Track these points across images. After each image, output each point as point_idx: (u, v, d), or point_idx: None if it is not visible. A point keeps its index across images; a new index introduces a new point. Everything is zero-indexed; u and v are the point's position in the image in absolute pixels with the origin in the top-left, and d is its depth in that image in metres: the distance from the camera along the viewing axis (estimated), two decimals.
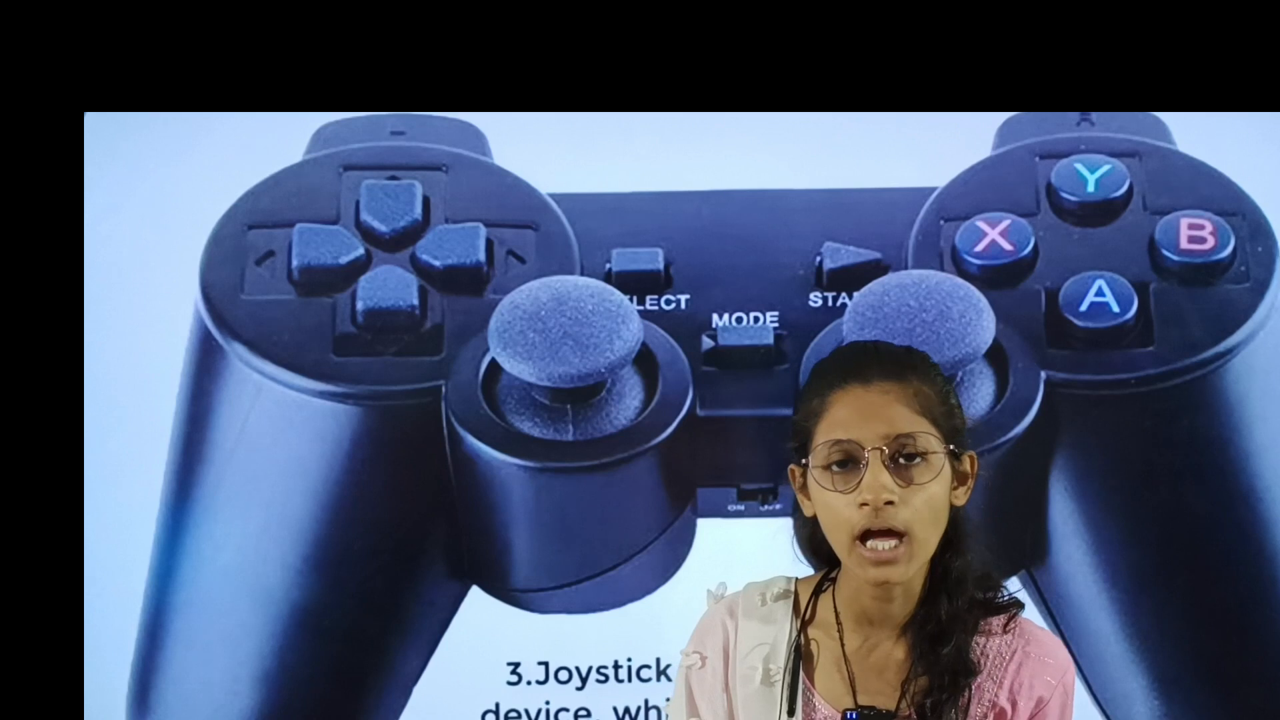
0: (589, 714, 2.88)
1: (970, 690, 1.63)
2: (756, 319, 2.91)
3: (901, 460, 1.62)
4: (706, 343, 2.89)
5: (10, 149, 2.85)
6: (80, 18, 2.86)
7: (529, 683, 2.89)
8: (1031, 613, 2.83)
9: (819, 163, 3.02)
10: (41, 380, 2.83)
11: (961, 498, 1.67)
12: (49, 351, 2.84)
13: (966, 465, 1.68)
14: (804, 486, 1.68)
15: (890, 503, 1.60)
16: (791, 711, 1.67)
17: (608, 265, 2.93)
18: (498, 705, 2.89)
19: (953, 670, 1.62)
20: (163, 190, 2.99)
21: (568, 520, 2.86)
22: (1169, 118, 3.01)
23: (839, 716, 1.66)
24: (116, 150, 2.98)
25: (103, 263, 2.94)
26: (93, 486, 2.88)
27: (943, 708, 1.62)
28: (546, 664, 2.89)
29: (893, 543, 1.61)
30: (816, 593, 1.72)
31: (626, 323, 2.79)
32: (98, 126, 2.96)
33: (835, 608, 1.70)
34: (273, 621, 2.87)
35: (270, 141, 3.01)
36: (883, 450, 1.61)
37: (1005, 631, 1.67)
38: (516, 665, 2.89)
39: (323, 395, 2.84)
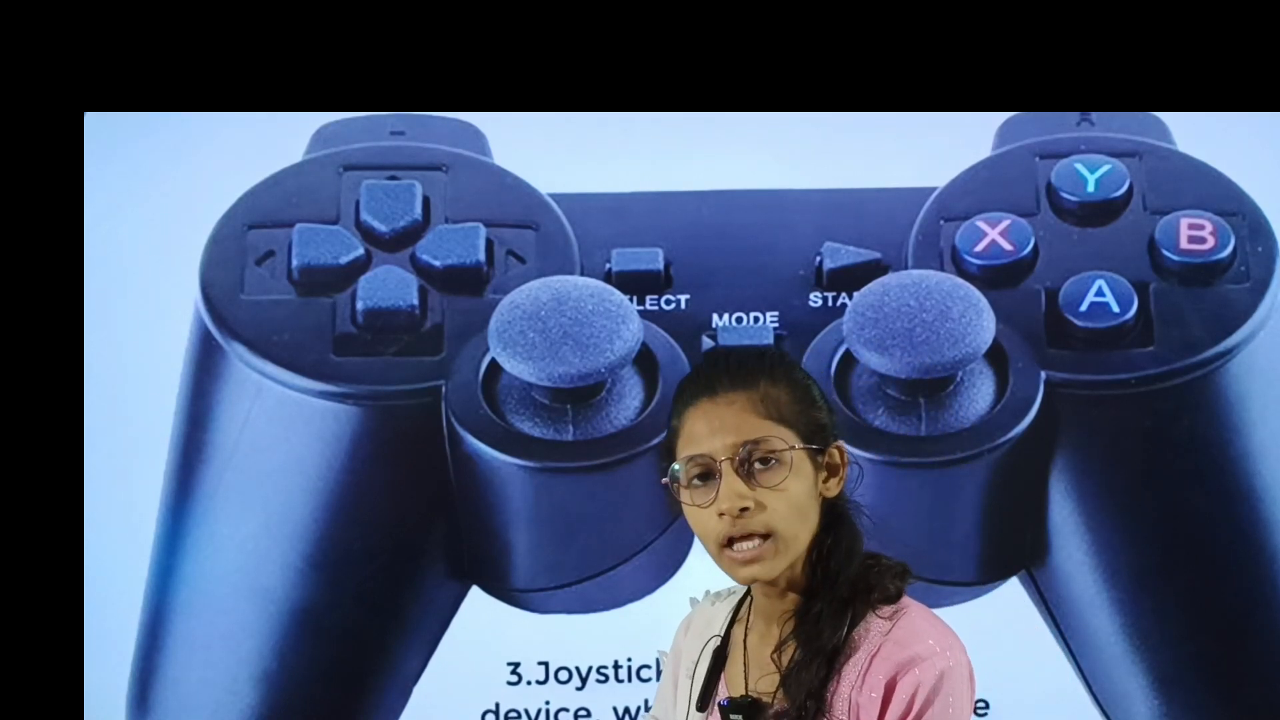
0: (589, 714, 2.88)
1: (824, 666, 1.63)
2: (756, 319, 2.92)
3: (753, 466, 1.65)
4: (706, 343, 2.89)
5: (10, 149, 2.85)
6: (80, 18, 2.86)
7: (529, 683, 2.89)
8: (1031, 612, 2.85)
9: (819, 163, 3.02)
10: (42, 380, 2.83)
11: (833, 489, 1.69)
12: (49, 352, 2.84)
13: (835, 457, 1.70)
14: (676, 496, 1.72)
15: (745, 509, 1.64)
16: (703, 704, 1.72)
17: (608, 265, 2.93)
18: (498, 705, 2.89)
19: (812, 649, 1.64)
20: (163, 190, 2.99)
21: (568, 520, 2.86)
22: (1169, 118, 3.01)
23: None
24: (116, 150, 2.99)
25: (103, 263, 2.95)
26: (93, 486, 2.88)
27: (792, 676, 1.63)
28: (546, 664, 2.89)
29: (755, 542, 1.64)
30: (748, 594, 1.76)
31: (626, 323, 2.79)
32: (98, 126, 2.96)
33: (749, 607, 1.75)
34: (273, 621, 2.87)
35: (270, 141, 3.01)
36: (733, 460, 1.65)
37: (881, 630, 1.65)
38: (516, 665, 2.89)
39: (323, 395, 2.85)
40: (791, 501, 1.65)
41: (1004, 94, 2.94)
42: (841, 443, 1.71)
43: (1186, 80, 2.90)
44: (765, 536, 1.64)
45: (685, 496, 1.69)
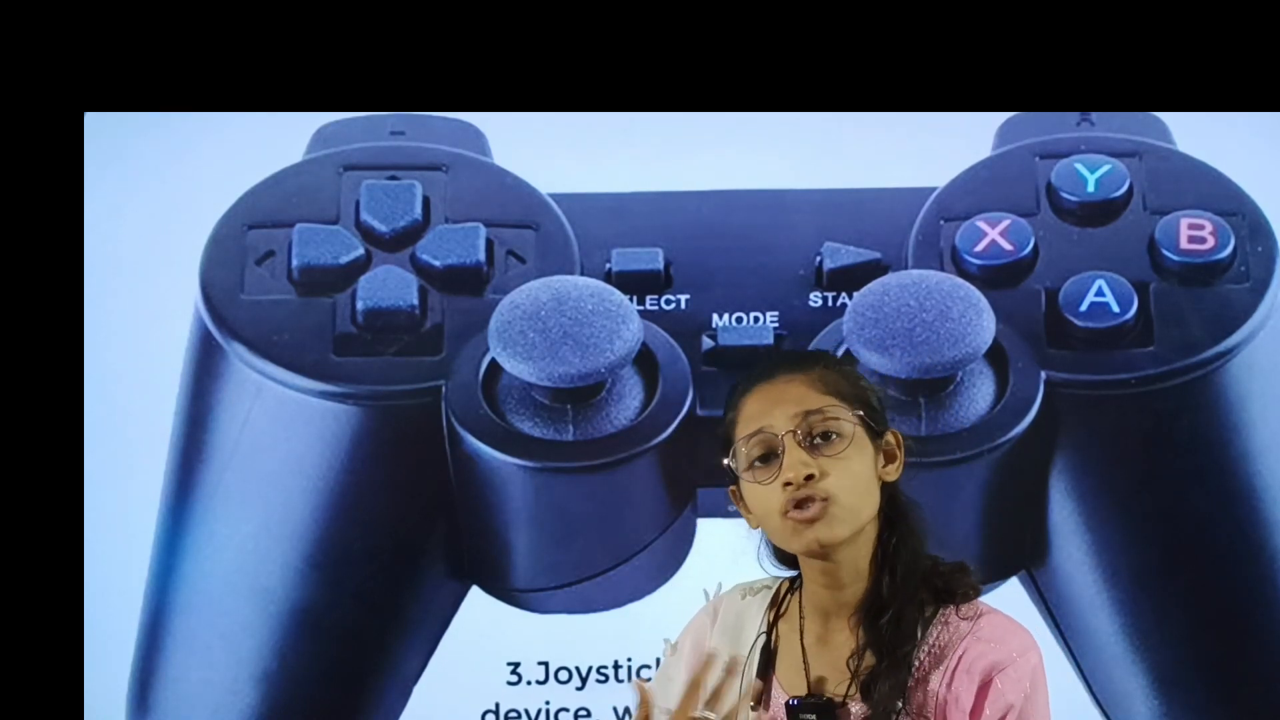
0: (589, 714, 2.88)
1: (912, 673, 1.63)
2: (756, 319, 2.91)
3: (817, 439, 1.66)
4: (706, 343, 2.89)
5: (10, 149, 2.85)
6: (80, 18, 2.86)
7: (529, 683, 2.89)
8: (1031, 612, 2.84)
9: (819, 163, 3.02)
10: (42, 380, 2.83)
11: (892, 474, 1.70)
12: (49, 352, 2.84)
13: (892, 442, 1.71)
14: (743, 500, 1.72)
15: (810, 476, 1.64)
16: (756, 704, 1.70)
17: (608, 265, 2.93)
18: (498, 705, 2.89)
19: (890, 643, 1.64)
20: (163, 190, 2.99)
21: (568, 520, 2.86)
22: (1169, 118, 3.01)
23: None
24: (116, 150, 2.99)
25: (103, 263, 2.94)
26: (93, 486, 2.88)
27: (876, 683, 1.63)
28: (546, 664, 2.89)
29: (817, 505, 1.64)
30: (790, 590, 1.76)
31: (626, 323, 2.79)
32: (98, 126, 2.96)
33: (800, 603, 1.73)
34: (273, 621, 2.87)
35: (270, 141, 3.01)
36: (795, 432, 1.66)
37: (963, 627, 1.66)
38: (516, 665, 2.89)
39: (323, 395, 2.84)
40: (853, 471, 1.66)
41: (1004, 94, 2.94)
42: (897, 431, 1.72)
43: (1186, 80, 2.90)
44: (826, 501, 1.64)
45: (748, 478, 1.68)
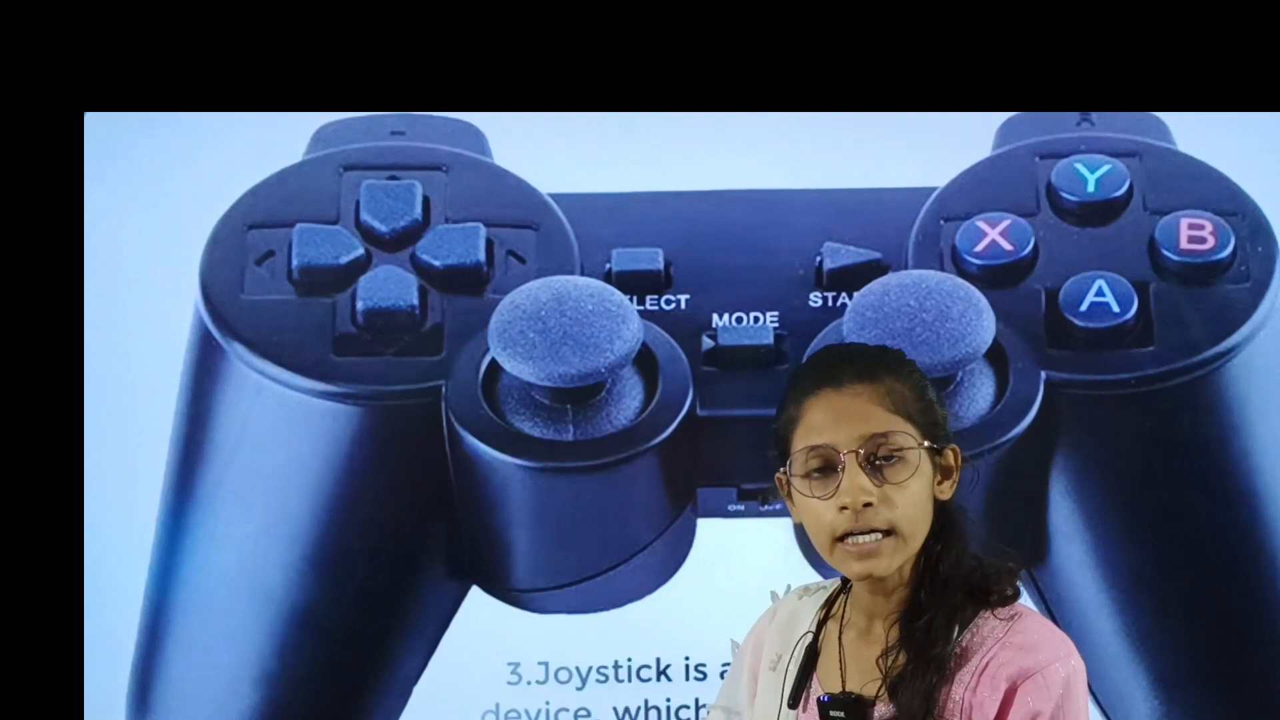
0: (589, 714, 2.88)
1: (937, 674, 1.60)
2: (756, 319, 2.91)
3: (878, 461, 1.62)
4: (706, 343, 2.89)
5: (10, 149, 2.85)
6: (80, 18, 2.86)
7: (529, 683, 2.89)
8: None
9: (819, 163, 3.02)
10: (42, 380, 2.83)
11: (946, 491, 1.67)
12: (49, 351, 2.84)
13: (950, 459, 1.68)
14: (790, 494, 1.69)
15: (869, 504, 1.61)
16: (795, 701, 1.69)
17: (608, 265, 2.93)
18: (498, 705, 2.89)
19: (920, 644, 1.62)
20: (163, 190, 2.99)
21: (568, 520, 2.86)
22: (1169, 118, 3.01)
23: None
24: (116, 150, 2.98)
25: (103, 263, 2.94)
26: (93, 486, 2.88)
27: (904, 684, 1.61)
28: (546, 664, 2.89)
29: (875, 536, 1.61)
30: (842, 591, 1.74)
31: (626, 323, 2.79)
32: (98, 126, 2.96)
33: (845, 604, 1.72)
34: (273, 621, 2.87)
35: (270, 141, 3.01)
36: (858, 453, 1.62)
37: (996, 633, 1.64)
38: (516, 665, 2.89)
39: (323, 395, 2.84)
40: (914, 500, 1.62)
41: (1004, 94, 2.94)
42: (957, 446, 1.69)
43: (1186, 80, 2.90)
44: (886, 533, 1.61)
45: (802, 486, 1.64)
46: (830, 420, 1.63)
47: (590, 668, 2.88)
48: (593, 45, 2.89)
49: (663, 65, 2.90)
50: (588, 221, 2.95)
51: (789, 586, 1.84)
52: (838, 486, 1.62)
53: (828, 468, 1.63)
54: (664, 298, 2.93)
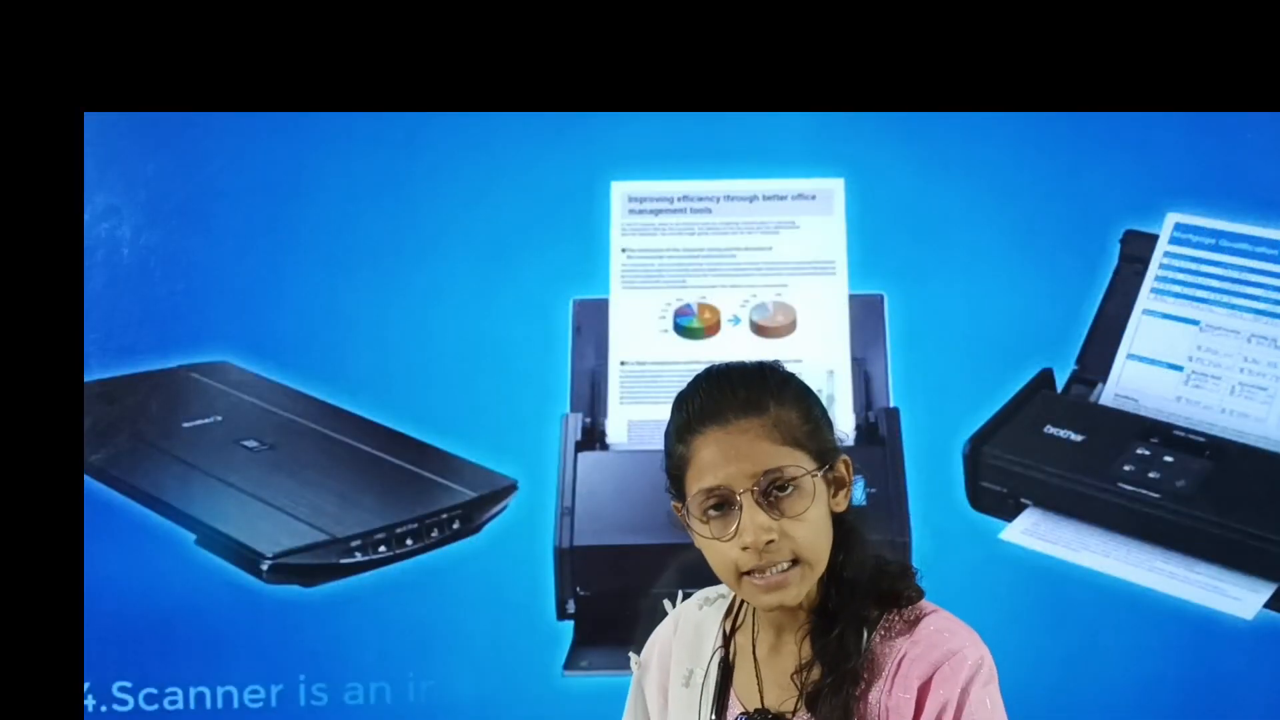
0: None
1: (853, 685, 1.60)
2: None
3: (774, 494, 1.61)
4: None
5: (10, 149, 2.85)
6: (79, 18, 2.86)
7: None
8: None
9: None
10: (42, 380, 2.83)
11: (842, 503, 1.66)
12: (49, 351, 2.84)
13: (841, 470, 1.66)
14: (689, 525, 1.66)
15: (771, 540, 1.60)
16: (718, 713, 1.69)
17: None
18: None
19: (834, 658, 1.61)
20: (162, 190, 2.99)
21: None
22: (1169, 117, 3.00)
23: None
24: (116, 150, 2.99)
25: (102, 262, 2.94)
26: (93, 486, 2.88)
27: (821, 699, 1.61)
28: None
29: (782, 566, 1.61)
30: (744, 601, 1.73)
31: None
32: (98, 126, 2.96)
33: (751, 616, 1.72)
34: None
35: (270, 141, 3.01)
36: (754, 490, 1.60)
37: (904, 633, 1.64)
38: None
39: None
40: (814, 527, 1.62)
41: (1004, 94, 2.94)
42: (846, 456, 1.67)
43: (1187, 80, 2.90)
44: (793, 563, 1.61)
45: (702, 529, 1.63)
46: (721, 459, 1.61)
47: None
48: (591, 45, 2.90)
49: (662, 65, 2.90)
50: None
51: (680, 595, 1.81)
52: (737, 526, 1.60)
53: (725, 504, 1.61)
54: None
